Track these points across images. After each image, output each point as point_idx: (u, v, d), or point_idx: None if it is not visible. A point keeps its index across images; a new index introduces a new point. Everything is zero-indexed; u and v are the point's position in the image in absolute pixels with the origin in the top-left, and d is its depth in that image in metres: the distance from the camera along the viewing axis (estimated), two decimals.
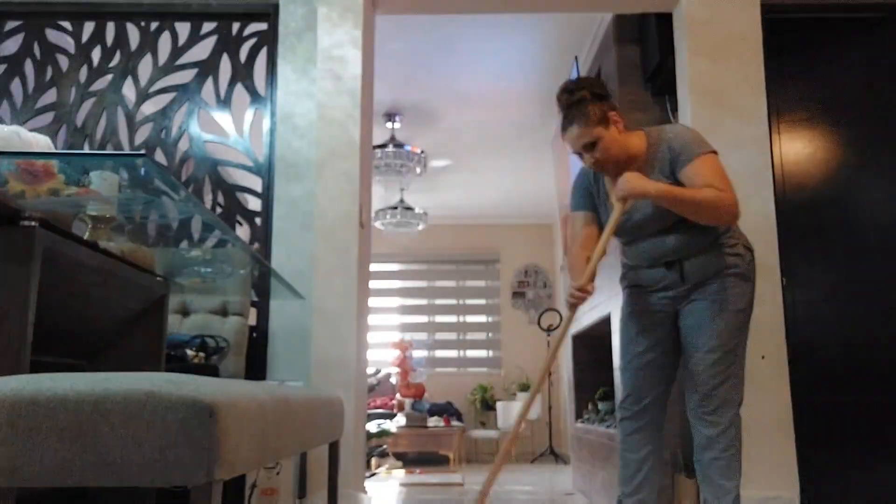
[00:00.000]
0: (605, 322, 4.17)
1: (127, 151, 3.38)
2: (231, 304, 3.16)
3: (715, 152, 2.24)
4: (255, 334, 3.21)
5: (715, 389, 2.23)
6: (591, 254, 2.37)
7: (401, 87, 5.26)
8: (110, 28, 3.54)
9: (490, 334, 8.63)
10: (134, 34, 3.53)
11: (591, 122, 2.25)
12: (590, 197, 2.46)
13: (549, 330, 7.81)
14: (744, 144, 3.27)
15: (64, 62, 3.51)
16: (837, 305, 3.22)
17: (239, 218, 3.37)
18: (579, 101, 2.26)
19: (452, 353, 8.60)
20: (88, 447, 1.05)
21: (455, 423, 7.03)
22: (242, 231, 3.37)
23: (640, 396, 2.40)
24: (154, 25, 3.53)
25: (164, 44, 3.51)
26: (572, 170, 4.59)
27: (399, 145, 5.76)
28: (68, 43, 3.53)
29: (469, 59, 4.83)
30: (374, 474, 5.90)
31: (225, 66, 3.48)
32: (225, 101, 3.46)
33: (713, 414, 2.23)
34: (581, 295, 2.28)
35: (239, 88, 3.46)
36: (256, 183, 3.38)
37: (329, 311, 3.15)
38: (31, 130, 1.91)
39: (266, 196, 3.32)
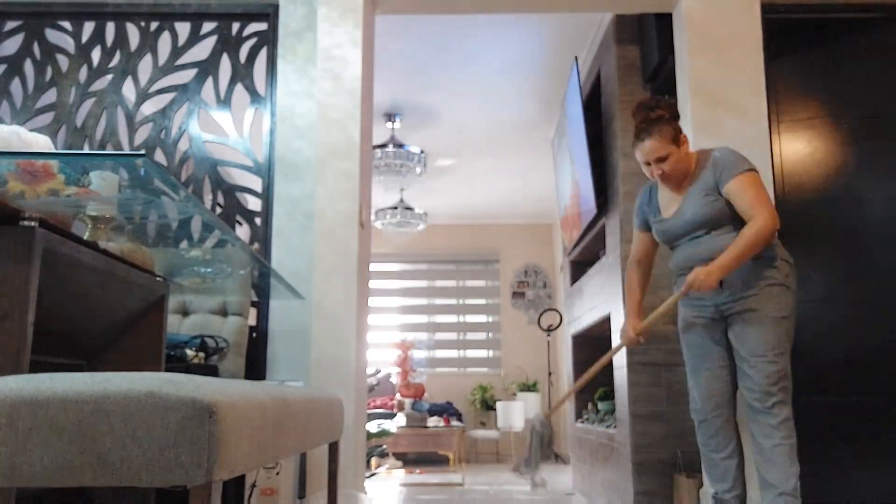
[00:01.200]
0: (605, 322, 4.17)
1: (127, 151, 3.38)
2: (231, 304, 3.16)
3: (753, 170, 2.53)
4: (254, 334, 3.21)
5: (771, 387, 2.42)
6: (644, 269, 2.83)
7: (401, 87, 5.26)
8: (110, 28, 3.54)
9: (490, 334, 8.63)
10: (134, 34, 3.53)
11: (666, 139, 2.57)
12: (643, 218, 2.80)
13: (549, 330, 7.81)
14: (744, 144, 3.26)
15: (64, 62, 3.51)
16: (837, 305, 3.22)
17: (239, 218, 3.37)
18: (658, 118, 2.59)
19: (452, 353, 8.60)
20: (88, 447, 1.05)
21: (455, 423, 7.03)
22: (242, 231, 3.37)
23: (710, 397, 2.61)
24: (154, 25, 3.53)
25: (164, 44, 3.51)
26: (578, 172, 4.59)
27: (399, 145, 5.76)
28: (68, 43, 3.53)
29: (469, 59, 4.83)
30: (374, 474, 5.90)
31: (225, 66, 3.48)
32: (225, 101, 3.46)
33: (773, 407, 2.42)
34: (635, 342, 2.69)
35: (239, 88, 3.46)
36: (256, 183, 3.38)
37: (329, 311, 3.15)
38: (31, 130, 1.91)
39: (266, 196, 3.32)
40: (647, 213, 2.78)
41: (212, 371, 2.71)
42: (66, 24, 3.54)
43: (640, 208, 2.82)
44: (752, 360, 2.45)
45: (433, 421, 6.82)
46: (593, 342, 4.92)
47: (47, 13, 3.53)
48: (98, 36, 3.53)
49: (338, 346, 3.12)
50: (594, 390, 4.83)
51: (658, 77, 3.72)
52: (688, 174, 2.62)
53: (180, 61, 3.50)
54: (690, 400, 2.68)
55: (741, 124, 3.27)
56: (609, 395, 4.53)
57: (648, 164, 2.60)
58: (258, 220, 3.33)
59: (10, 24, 3.52)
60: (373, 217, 6.71)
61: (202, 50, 3.50)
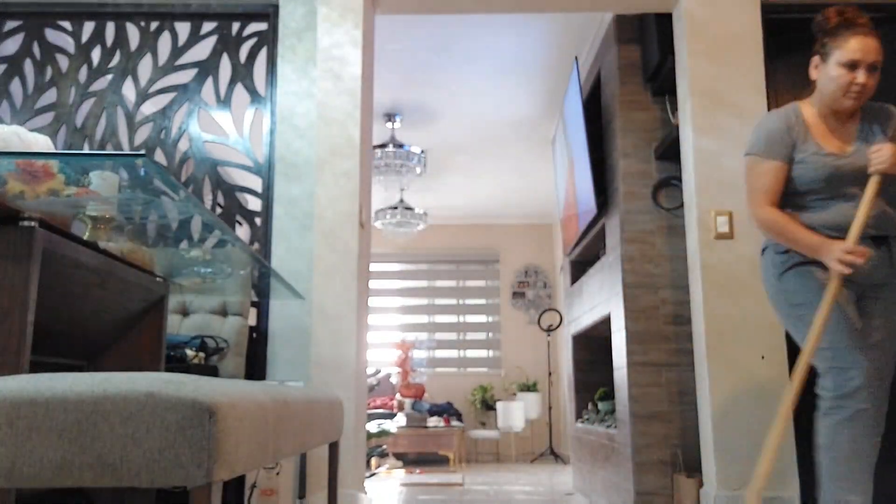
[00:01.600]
0: (605, 322, 4.17)
1: (127, 151, 3.38)
2: (231, 304, 3.16)
3: None
4: (255, 334, 3.21)
5: None
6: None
7: (401, 87, 5.26)
8: (110, 28, 3.54)
9: (490, 334, 8.63)
10: (134, 34, 3.53)
11: (882, 49, 2.19)
12: (789, 146, 2.29)
13: (549, 330, 7.81)
14: (743, 144, 3.26)
15: (64, 62, 3.51)
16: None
17: (239, 218, 3.37)
18: (868, 24, 2.22)
19: (452, 354, 8.60)
20: (88, 447, 1.05)
21: (455, 423, 7.03)
22: (242, 231, 3.37)
23: (882, 376, 2.16)
24: (154, 25, 3.53)
25: (164, 44, 3.51)
26: (578, 172, 4.59)
27: (399, 145, 5.76)
28: (68, 43, 3.53)
29: (469, 59, 4.83)
30: (374, 474, 5.90)
31: (225, 66, 3.48)
32: (225, 101, 3.46)
33: None
34: (858, 257, 2.07)
35: (239, 88, 3.46)
36: (256, 183, 3.38)
37: (329, 311, 3.15)
38: (31, 130, 1.91)
39: (266, 196, 3.32)
40: (797, 139, 2.28)
41: (212, 371, 2.71)
42: (66, 24, 3.54)
43: (787, 132, 2.29)
44: None
45: (433, 421, 6.82)
46: (593, 342, 4.92)
47: (47, 13, 3.53)
48: (98, 36, 3.53)
49: (338, 346, 3.12)
50: (594, 390, 4.83)
51: (658, 77, 3.72)
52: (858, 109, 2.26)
53: (180, 61, 3.50)
54: (840, 385, 2.10)
55: (741, 124, 3.27)
56: (609, 395, 4.53)
57: (855, 66, 2.18)
58: (258, 220, 3.33)
59: (10, 24, 3.52)
60: (373, 217, 6.71)
61: (202, 50, 3.50)
